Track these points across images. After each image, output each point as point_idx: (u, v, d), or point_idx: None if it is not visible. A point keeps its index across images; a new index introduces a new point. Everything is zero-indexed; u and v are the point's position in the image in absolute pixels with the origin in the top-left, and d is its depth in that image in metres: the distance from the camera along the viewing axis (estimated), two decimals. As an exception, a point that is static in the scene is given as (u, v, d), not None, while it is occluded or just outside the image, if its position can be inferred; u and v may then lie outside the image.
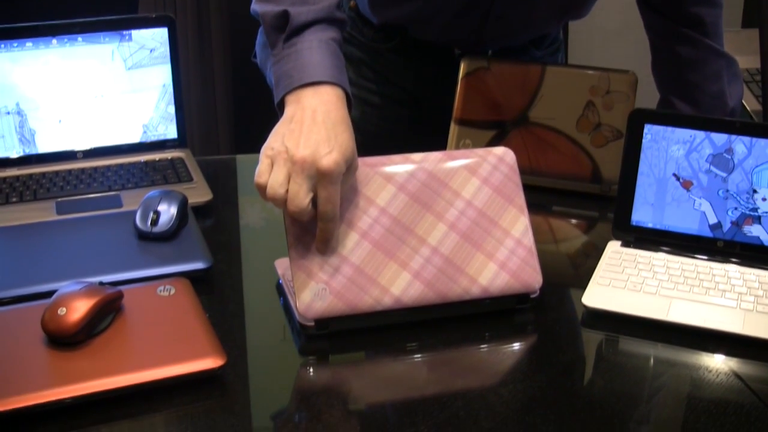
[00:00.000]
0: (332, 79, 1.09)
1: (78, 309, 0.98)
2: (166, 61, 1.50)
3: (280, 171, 1.02)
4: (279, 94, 1.12)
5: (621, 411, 0.96)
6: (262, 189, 1.03)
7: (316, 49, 1.12)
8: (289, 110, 1.08)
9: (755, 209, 1.19)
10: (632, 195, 1.24)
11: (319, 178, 1.01)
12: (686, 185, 1.22)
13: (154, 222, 1.22)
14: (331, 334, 1.07)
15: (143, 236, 1.22)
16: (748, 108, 2.05)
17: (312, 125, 1.04)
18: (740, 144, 1.19)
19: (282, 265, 1.17)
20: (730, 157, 1.20)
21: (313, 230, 1.06)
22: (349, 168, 1.05)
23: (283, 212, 1.06)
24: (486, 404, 0.97)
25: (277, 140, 1.04)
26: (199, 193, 1.39)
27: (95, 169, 1.45)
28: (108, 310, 1.02)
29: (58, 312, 0.98)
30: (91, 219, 1.30)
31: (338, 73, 1.11)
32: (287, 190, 1.02)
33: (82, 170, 1.45)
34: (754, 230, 1.19)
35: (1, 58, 1.41)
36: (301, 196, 1.01)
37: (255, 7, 1.20)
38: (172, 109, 1.52)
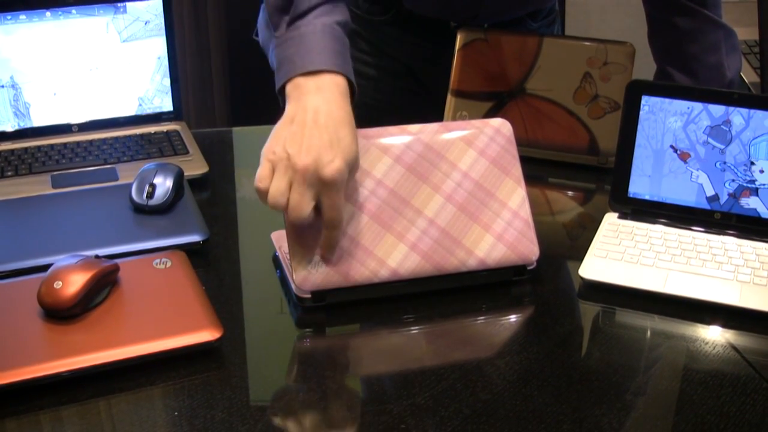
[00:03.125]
0: (335, 67, 1.06)
1: (74, 282, 0.98)
2: (161, 33, 1.49)
3: (282, 179, 0.99)
4: (281, 79, 1.08)
5: (617, 382, 0.97)
6: (263, 194, 1.00)
7: (319, 33, 1.09)
8: (290, 109, 1.04)
9: (752, 181, 1.19)
10: (629, 167, 1.24)
11: (322, 186, 0.99)
12: (684, 157, 1.21)
13: (150, 195, 1.22)
14: (327, 306, 1.07)
15: (139, 209, 1.22)
16: (746, 80, 2.04)
17: (314, 128, 1.00)
18: (738, 116, 1.18)
19: (278, 237, 1.17)
20: (727, 128, 1.19)
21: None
22: (351, 170, 1.02)
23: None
24: (483, 376, 0.97)
25: (278, 144, 1.01)
26: (195, 166, 1.39)
27: (90, 142, 1.45)
28: (104, 284, 1.01)
29: (54, 285, 0.97)
30: (86, 192, 1.29)
31: (342, 61, 1.08)
32: (288, 198, 0.99)
33: (78, 143, 1.44)
34: (751, 202, 1.19)
35: (-6, 31, 1.41)
36: (303, 206, 0.99)
37: None
38: (167, 82, 1.51)
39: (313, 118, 1.02)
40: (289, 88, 1.06)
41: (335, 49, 1.09)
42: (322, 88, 1.05)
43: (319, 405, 0.92)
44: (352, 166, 1.02)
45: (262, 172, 1.00)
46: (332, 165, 0.98)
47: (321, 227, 1.05)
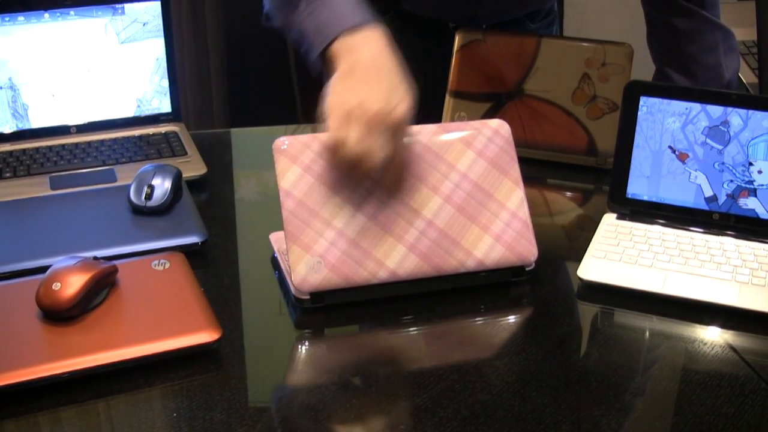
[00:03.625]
0: (372, 21, 1.10)
1: (72, 284, 0.98)
2: (159, 35, 1.49)
3: (358, 127, 1.01)
4: (323, 42, 1.10)
5: (616, 383, 0.97)
6: (340, 143, 1.02)
7: None
8: (345, 62, 1.07)
9: (751, 182, 1.19)
10: (628, 167, 1.24)
11: (394, 128, 1.03)
12: (682, 158, 1.21)
13: (149, 196, 1.22)
14: (326, 307, 1.07)
15: (137, 210, 1.22)
16: (744, 80, 2.04)
17: (376, 76, 1.05)
18: (736, 116, 1.18)
19: (277, 238, 1.17)
20: (726, 129, 1.19)
21: (308, 204, 1.05)
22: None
23: (278, 185, 1.06)
24: (481, 377, 0.97)
25: (345, 94, 1.03)
26: (193, 167, 1.39)
27: (89, 143, 1.45)
28: (102, 285, 1.01)
29: (53, 287, 0.97)
30: (85, 194, 1.29)
31: (374, 17, 1.11)
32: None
33: (76, 145, 1.44)
34: (749, 203, 1.19)
35: (-7, 32, 1.41)
36: (380, 151, 1.02)
37: None
38: (165, 83, 1.51)
39: (373, 67, 1.06)
40: (336, 46, 1.09)
41: (364, 6, 1.12)
42: (370, 39, 1.09)
43: (317, 406, 0.92)
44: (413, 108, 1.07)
45: (336, 122, 1.02)
46: (402, 106, 1.03)
47: (320, 229, 1.05)
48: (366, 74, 1.04)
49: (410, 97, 1.04)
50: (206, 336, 0.97)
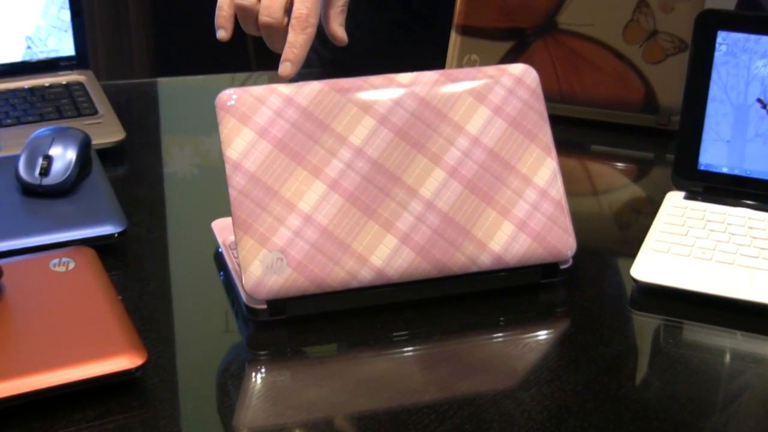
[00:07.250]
0: None
1: (-60, 291, 0.98)
2: (56, -52, 1.49)
3: None
4: None
5: (686, 422, 0.97)
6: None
7: None
8: None
9: None
10: (700, 129, 1.24)
11: None
12: (774, 115, 1.22)
13: (45, 171, 1.21)
14: (289, 320, 1.07)
15: (30, 191, 1.22)
16: None
17: None
18: None
19: (222, 227, 1.17)
20: (833, 75, 1.20)
21: (265, 180, 1.05)
22: None
23: (224, 155, 1.06)
24: (501, 414, 0.97)
25: None
26: (107, 131, 1.39)
27: (-38, 98, 1.45)
28: (-18, 292, 1.02)
29: None
30: (-43, 168, 1.29)
31: None
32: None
33: (-56, 101, 1.44)
34: None
35: None
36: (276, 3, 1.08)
37: None
38: (66, 15, 1.51)
39: None
40: None
41: None
42: None
43: (278, 456, 0.93)
44: None
45: None
46: None
47: (280, 214, 1.05)
48: None
49: None
50: (125, 361, 0.97)
